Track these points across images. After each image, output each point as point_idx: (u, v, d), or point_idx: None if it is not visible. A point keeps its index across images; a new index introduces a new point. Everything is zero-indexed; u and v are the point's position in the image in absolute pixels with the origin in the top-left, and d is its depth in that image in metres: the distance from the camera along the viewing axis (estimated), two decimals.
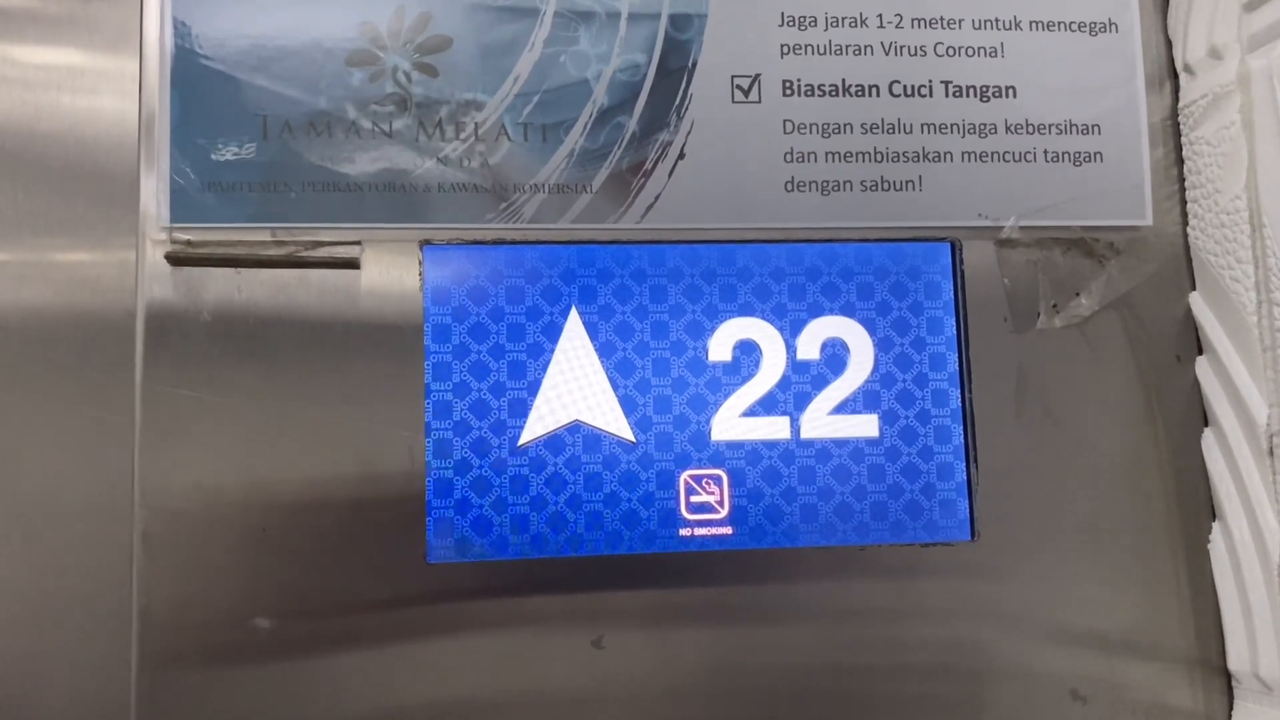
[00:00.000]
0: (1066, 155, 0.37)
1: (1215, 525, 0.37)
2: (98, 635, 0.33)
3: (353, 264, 0.35)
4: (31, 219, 0.34)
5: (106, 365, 0.34)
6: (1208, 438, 0.37)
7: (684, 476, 0.36)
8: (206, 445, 0.33)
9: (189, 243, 0.34)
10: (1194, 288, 0.38)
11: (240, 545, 0.33)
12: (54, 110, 0.35)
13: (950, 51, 0.37)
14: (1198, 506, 0.37)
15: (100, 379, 0.34)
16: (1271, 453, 0.34)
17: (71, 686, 0.33)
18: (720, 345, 0.36)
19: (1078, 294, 0.37)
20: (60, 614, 0.33)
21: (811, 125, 0.36)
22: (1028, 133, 0.37)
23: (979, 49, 0.37)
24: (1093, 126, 0.38)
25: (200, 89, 0.34)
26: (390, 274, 0.35)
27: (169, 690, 0.32)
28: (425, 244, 0.35)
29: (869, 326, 0.37)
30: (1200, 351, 0.38)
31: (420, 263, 0.35)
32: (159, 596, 0.33)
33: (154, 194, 0.34)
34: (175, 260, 0.34)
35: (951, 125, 0.37)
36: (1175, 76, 0.39)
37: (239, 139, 0.34)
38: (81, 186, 0.34)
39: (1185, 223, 0.38)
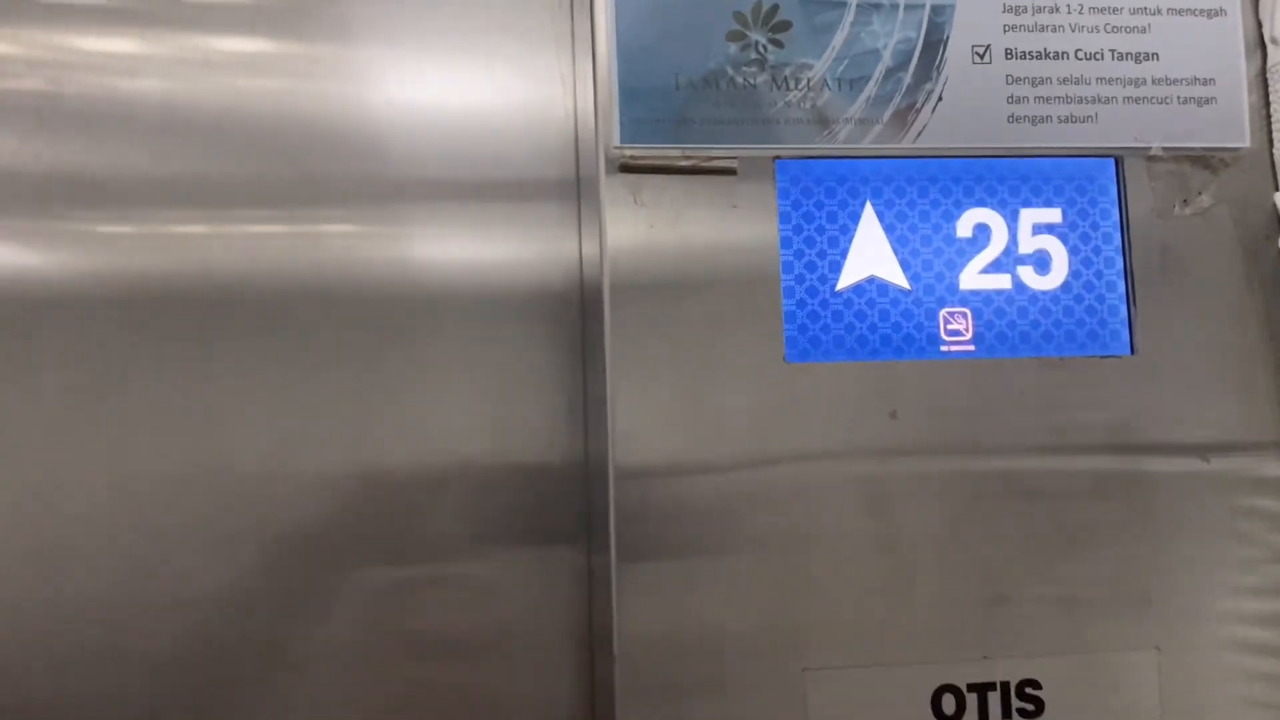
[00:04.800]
0: (1192, 99, 0.56)
1: None
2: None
3: (731, 172, 0.53)
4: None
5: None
6: None
7: (942, 312, 0.54)
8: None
9: (634, 156, 0.52)
10: (1277, 188, 0.56)
11: None
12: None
13: (1115, 29, 0.55)
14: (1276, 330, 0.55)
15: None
16: None
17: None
18: (965, 225, 0.54)
19: (1200, 193, 0.56)
20: None
21: (1025, 79, 0.55)
22: (1167, 85, 0.55)
23: (1134, 27, 0.56)
24: (1209, 80, 0.56)
25: (635, 63, 0.52)
26: (757, 179, 0.53)
27: None
28: (777, 159, 0.53)
29: (1064, 213, 0.55)
30: None
31: (774, 172, 0.53)
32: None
33: (615, 125, 0.52)
34: (625, 168, 0.52)
35: (1116, 79, 0.55)
36: (1263, 46, 0.57)
37: (660, 90, 0.52)
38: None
39: (1271, 144, 0.56)
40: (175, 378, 0.52)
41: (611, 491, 0.50)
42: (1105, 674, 0.52)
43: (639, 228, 0.52)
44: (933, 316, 0.54)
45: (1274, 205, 0.56)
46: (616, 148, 0.52)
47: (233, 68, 0.54)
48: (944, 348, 0.54)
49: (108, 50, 0.55)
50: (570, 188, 0.55)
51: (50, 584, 0.50)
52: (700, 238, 0.52)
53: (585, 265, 0.54)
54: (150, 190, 0.53)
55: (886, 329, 0.53)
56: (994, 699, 0.51)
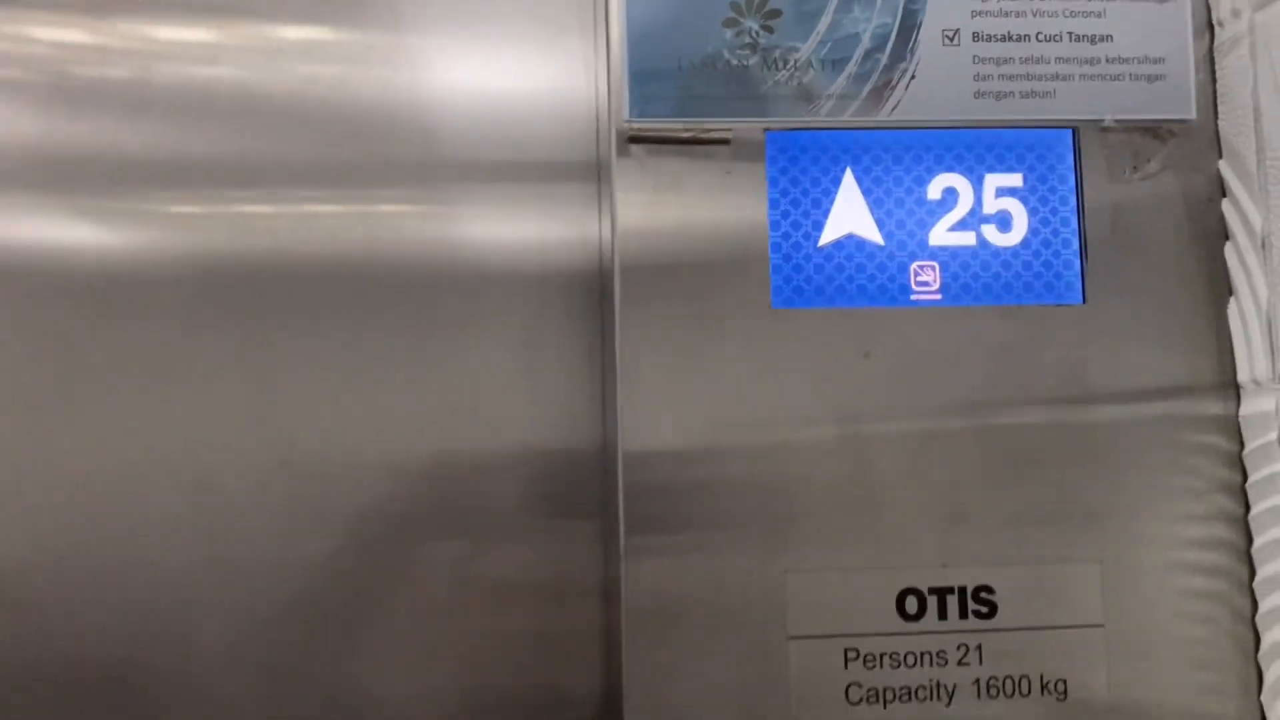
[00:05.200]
0: (1143, 76, 0.62)
1: (1231, 300, 0.62)
2: None
3: (726, 142, 0.61)
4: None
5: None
6: (1229, 246, 0.62)
7: (913, 265, 0.61)
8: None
9: (641, 129, 0.60)
10: (1220, 156, 0.62)
11: None
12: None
13: (1073, 14, 0.62)
14: (1219, 280, 0.62)
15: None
16: (1264, 246, 0.59)
17: None
18: (934, 189, 0.62)
19: (1149, 160, 0.62)
20: None
21: (990, 59, 0.61)
22: (1120, 63, 0.62)
23: (1090, 11, 0.62)
24: (1160, 59, 0.62)
25: (643, 47, 0.60)
26: (748, 149, 0.61)
27: None
28: (767, 130, 0.61)
29: (1024, 178, 0.62)
30: (1224, 195, 0.62)
31: (764, 143, 0.61)
32: None
33: (625, 102, 0.60)
34: (633, 139, 0.60)
35: (1073, 58, 0.62)
36: (1211, 27, 0.63)
37: (665, 71, 0.60)
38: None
39: (1216, 116, 0.63)
40: (243, 354, 0.59)
41: (620, 480, 0.58)
42: (1051, 582, 0.59)
43: (645, 192, 0.60)
44: (904, 269, 0.61)
45: (1218, 172, 0.63)
46: (626, 122, 0.60)
47: (298, 55, 0.63)
48: (914, 296, 0.61)
49: (189, 40, 0.63)
50: (593, 169, 0.62)
51: (127, 559, 0.56)
52: (698, 202, 0.60)
53: (604, 242, 0.62)
54: (225, 172, 0.61)
55: (862, 280, 0.61)
56: (952, 601, 0.58)
